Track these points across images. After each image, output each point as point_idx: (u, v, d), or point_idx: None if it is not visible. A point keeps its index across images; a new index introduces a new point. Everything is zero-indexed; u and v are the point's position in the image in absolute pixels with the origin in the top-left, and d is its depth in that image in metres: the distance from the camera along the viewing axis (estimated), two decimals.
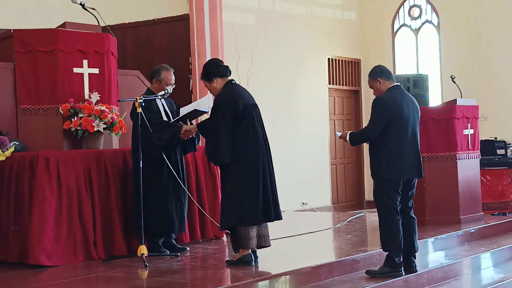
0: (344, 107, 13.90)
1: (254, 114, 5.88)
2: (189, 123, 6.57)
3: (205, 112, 6.65)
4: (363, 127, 6.32)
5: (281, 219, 5.98)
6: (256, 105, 5.97)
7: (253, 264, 5.80)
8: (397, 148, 5.79)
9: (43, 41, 6.69)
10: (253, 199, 5.76)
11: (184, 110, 6.52)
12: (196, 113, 6.53)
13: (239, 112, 5.78)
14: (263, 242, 5.91)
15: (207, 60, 9.62)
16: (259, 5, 11.99)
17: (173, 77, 6.72)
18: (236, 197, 5.79)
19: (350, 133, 6.04)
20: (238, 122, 5.78)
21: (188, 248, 6.73)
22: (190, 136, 6.46)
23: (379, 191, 5.87)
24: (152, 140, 6.22)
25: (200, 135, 6.72)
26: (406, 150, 5.83)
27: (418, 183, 6.92)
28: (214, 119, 5.84)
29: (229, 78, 6.02)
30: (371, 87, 6.04)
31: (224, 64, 6.08)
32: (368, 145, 6.04)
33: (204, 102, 6.59)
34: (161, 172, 6.43)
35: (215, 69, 6.01)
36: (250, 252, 5.82)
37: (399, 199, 5.84)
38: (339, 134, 6.25)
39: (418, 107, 6.06)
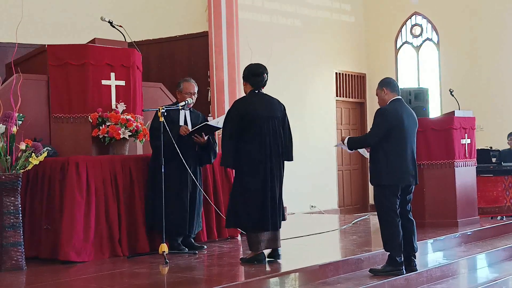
0: (350, 117, 13.87)
1: (264, 125, 5.70)
2: (205, 137, 6.51)
3: (219, 128, 6.65)
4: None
5: (277, 229, 5.78)
6: (274, 117, 5.75)
7: (265, 262, 5.74)
8: (397, 156, 5.77)
9: (75, 55, 6.73)
10: (248, 208, 5.66)
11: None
12: (209, 127, 6.47)
13: (245, 122, 5.66)
14: (272, 244, 5.78)
15: (224, 73, 9.70)
16: (273, 23, 12.01)
17: (193, 87, 6.66)
18: (234, 203, 5.77)
19: (348, 138, 6.01)
20: (245, 131, 5.67)
21: (205, 247, 6.73)
22: (187, 132, 6.36)
23: (379, 196, 5.85)
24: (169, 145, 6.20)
25: (216, 151, 6.71)
26: (405, 158, 5.80)
27: (418, 189, 6.91)
28: (224, 125, 5.78)
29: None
30: (376, 94, 6.03)
31: (263, 74, 5.82)
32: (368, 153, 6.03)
33: (221, 120, 6.62)
34: (172, 176, 6.38)
35: (250, 76, 5.85)
36: (262, 252, 5.73)
37: (398, 203, 5.83)
38: (335, 145, 6.19)
39: (416, 119, 6.04)
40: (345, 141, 5.96)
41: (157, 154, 6.24)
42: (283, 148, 5.82)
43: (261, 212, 5.66)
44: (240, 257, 6.09)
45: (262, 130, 5.70)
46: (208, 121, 6.63)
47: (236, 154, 5.67)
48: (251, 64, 5.99)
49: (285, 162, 5.92)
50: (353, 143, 6.01)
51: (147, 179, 6.53)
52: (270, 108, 5.80)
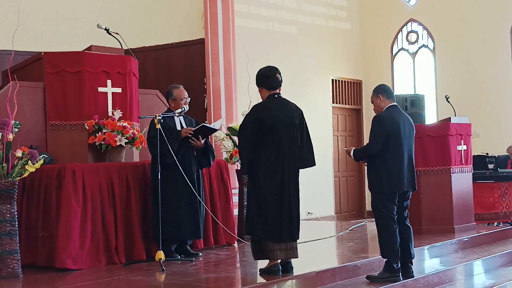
0: (347, 124, 13.88)
1: (283, 133, 5.51)
2: (202, 140, 6.51)
3: (216, 130, 6.66)
4: (365, 143, 6.29)
5: (294, 239, 5.59)
6: (292, 123, 5.57)
7: (280, 274, 5.53)
8: (394, 163, 5.77)
9: (71, 62, 6.73)
10: (263, 217, 5.50)
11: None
12: (206, 129, 6.50)
13: (264, 128, 5.49)
14: (290, 254, 5.59)
15: (220, 80, 9.71)
16: (269, 30, 12.03)
17: (185, 92, 6.68)
18: (249, 210, 5.66)
19: (353, 150, 6.03)
20: (263, 138, 5.50)
21: (201, 254, 6.71)
22: (189, 134, 6.36)
23: (377, 202, 5.86)
24: (166, 152, 6.20)
25: (214, 153, 6.72)
26: (403, 165, 5.81)
27: (415, 195, 6.91)
28: (241, 130, 5.63)
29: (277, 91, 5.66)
30: (372, 102, 6.04)
31: (275, 75, 5.64)
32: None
33: (218, 124, 6.63)
34: (175, 182, 6.41)
35: (262, 79, 5.67)
36: (278, 262, 5.57)
37: (395, 209, 5.83)
38: (345, 148, 6.27)
39: (413, 125, 6.05)
40: (351, 154, 5.98)
41: (157, 162, 6.24)
42: (300, 155, 5.66)
43: (276, 222, 5.49)
44: (259, 268, 5.84)
45: (280, 137, 5.51)
46: (205, 124, 6.65)
47: (253, 161, 5.52)
48: (261, 69, 5.80)
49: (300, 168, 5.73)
50: (358, 155, 6.03)
51: (150, 187, 6.52)
52: (288, 115, 5.60)
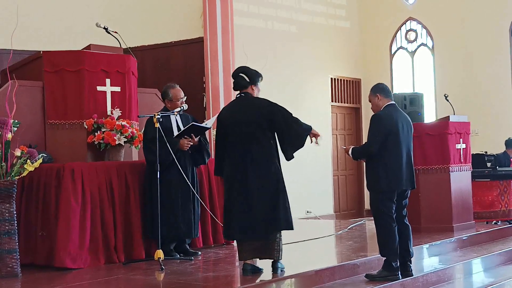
0: (346, 123, 13.89)
1: (234, 131, 5.50)
2: (196, 138, 6.48)
3: (208, 128, 6.62)
4: (364, 142, 6.30)
5: (262, 238, 5.47)
6: (248, 121, 5.47)
7: (247, 274, 5.52)
8: (393, 162, 5.78)
9: (70, 61, 6.72)
10: (227, 217, 5.59)
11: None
12: (196, 128, 6.44)
13: (226, 128, 5.59)
14: (258, 254, 5.56)
15: (219, 79, 9.70)
16: (268, 29, 12.04)
17: (181, 92, 6.66)
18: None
19: (352, 148, 6.04)
20: (227, 138, 5.58)
21: (200, 253, 6.71)
22: (188, 146, 6.37)
23: (375, 201, 5.86)
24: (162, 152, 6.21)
25: (209, 151, 6.72)
26: (401, 163, 5.81)
27: (414, 194, 6.92)
28: None
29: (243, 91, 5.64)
30: (370, 101, 6.04)
31: (236, 76, 5.64)
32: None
33: (211, 122, 6.63)
34: (169, 182, 6.39)
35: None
36: (247, 262, 5.58)
37: (394, 208, 5.83)
38: (344, 147, 6.29)
39: (412, 124, 6.05)
40: (350, 152, 6.00)
41: (154, 165, 6.23)
42: (264, 153, 5.53)
43: (228, 221, 5.55)
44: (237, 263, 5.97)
45: (231, 136, 5.55)
46: (198, 122, 6.60)
47: (221, 161, 5.65)
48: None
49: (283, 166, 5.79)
50: (356, 153, 6.04)
51: (144, 186, 6.52)
52: (245, 113, 5.53)
